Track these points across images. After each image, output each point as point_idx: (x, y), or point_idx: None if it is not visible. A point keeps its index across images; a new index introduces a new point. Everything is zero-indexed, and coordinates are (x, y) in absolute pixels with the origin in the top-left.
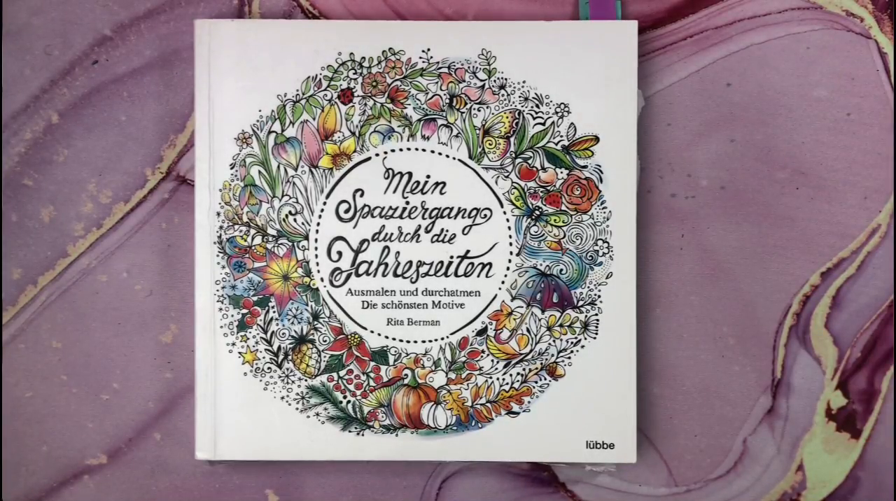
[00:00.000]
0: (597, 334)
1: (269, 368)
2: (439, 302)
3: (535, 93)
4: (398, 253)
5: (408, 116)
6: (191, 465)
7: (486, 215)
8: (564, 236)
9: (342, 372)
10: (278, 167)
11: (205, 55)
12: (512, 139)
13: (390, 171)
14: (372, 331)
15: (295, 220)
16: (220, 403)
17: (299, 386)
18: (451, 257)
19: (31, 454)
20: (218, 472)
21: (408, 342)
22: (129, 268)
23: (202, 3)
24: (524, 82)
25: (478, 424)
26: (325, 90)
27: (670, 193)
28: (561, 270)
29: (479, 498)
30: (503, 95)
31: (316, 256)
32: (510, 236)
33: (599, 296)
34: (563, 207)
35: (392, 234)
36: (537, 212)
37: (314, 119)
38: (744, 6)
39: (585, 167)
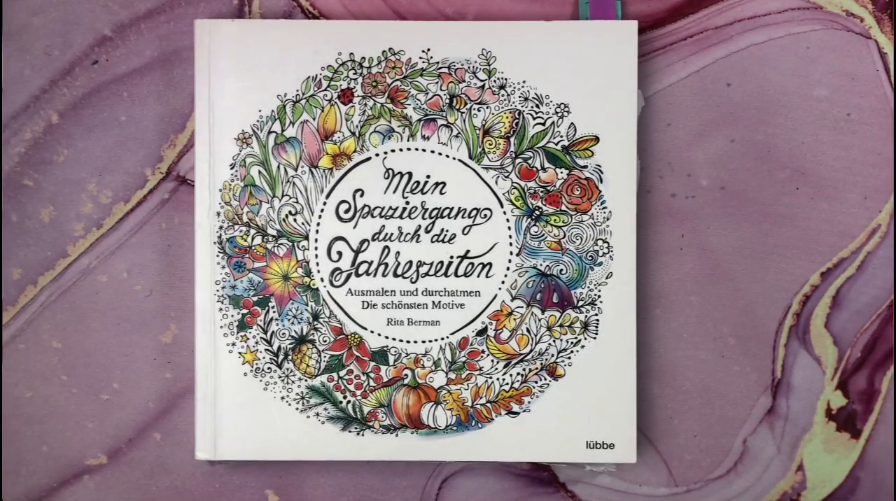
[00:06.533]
0: (597, 334)
1: (269, 368)
2: (439, 302)
3: (535, 93)
4: (398, 253)
5: (408, 116)
6: (191, 465)
7: (486, 215)
8: (564, 236)
9: (342, 372)
10: (278, 167)
11: (205, 55)
12: (512, 139)
13: (390, 171)
14: (372, 331)
15: (295, 220)
16: (220, 403)
17: (299, 386)
18: (451, 257)
19: (31, 454)
20: (218, 472)
21: (408, 342)
22: (129, 268)
23: (202, 3)
24: (524, 82)
25: (478, 424)
26: (325, 90)
27: (670, 193)
28: (561, 270)
29: (479, 498)
30: (503, 95)
31: (316, 256)
32: (510, 236)
33: (599, 296)
34: (563, 207)
35: (392, 234)
36: (537, 212)
37: (314, 119)
38: (744, 6)
39: (585, 167)
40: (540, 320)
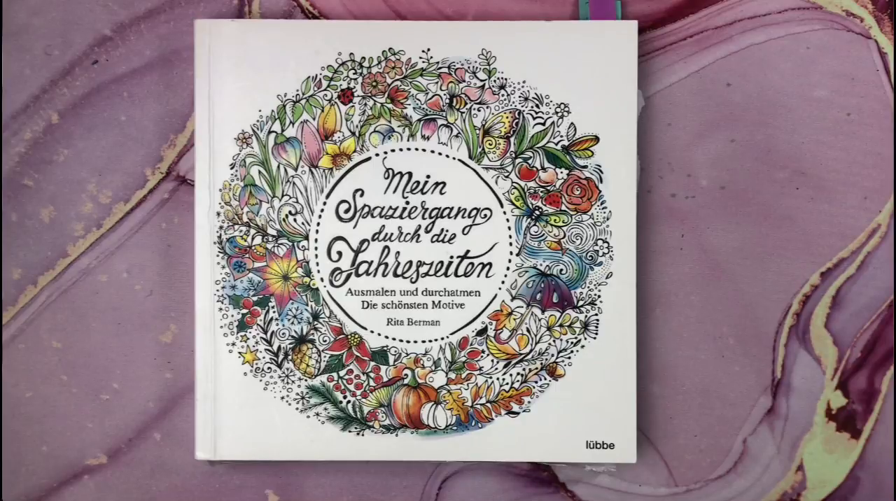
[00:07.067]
0: (597, 334)
1: (269, 368)
2: (439, 302)
3: (535, 93)
4: (398, 253)
5: (408, 116)
6: (191, 465)
7: (486, 215)
8: (564, 236)
9: (342, 372)
10: (278, 167)
11: (205, 55)
12: (512, 139)
13: (390, 171)
14: (372, 331)
15: (295, 220)
16: (220, 403)
17: (299, 386)
18: (451, 257)
19: (31, 454)
20: (218, 472)
21: (408, 342)
22: (129, 268)
23: (202, 3)
24: (524, 82)
25: (478, 424)
26: (325, 90)
27: (670, 193)
28: (561, 270)
29: (479, 498)
30: (503, 95)
31: (316, 256)
32: (510, 236)
33: (599, 296)
34: (563, 207)
35: (392, 234)
36: (537, 212)
37: (314, 119)
38: (744, 6)
39: (585, 167)
40: (540, 320)
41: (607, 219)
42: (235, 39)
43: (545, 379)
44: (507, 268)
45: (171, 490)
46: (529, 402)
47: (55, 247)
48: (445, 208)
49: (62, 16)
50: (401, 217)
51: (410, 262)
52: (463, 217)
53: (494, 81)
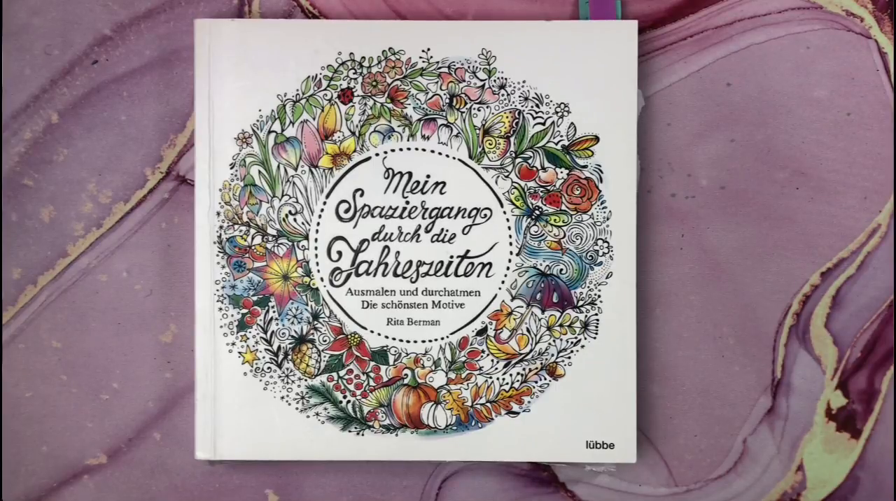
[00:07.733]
0: (597, 334)
1: (269, 368)
2: (439, 301)
3: (535, 93)
4: (398, 252)
5: (408, 116)
6: (191, 465)
7: (486, 215)
8: (564, 236)
9: (342, 372)
10: (278, 167)
11: (205, 55)
12: (512, 139)
13: (390, 171)
14: (372, 331)
15: (295, 220)
16: (220, 403)
17: (299, 385)
18: (451, 257)
19: (31, 454)
20: (218, 472)
21: (408, 342)
22: (129, 268)
23: (202, 3)
24: (524, 82)
25: (478, 424)
26: (325, 90)
27: (670, 193)
28: (561, 270)
29: (479, 498)
30: (503, 95)
31: (316, 256)
32: (510, 236)
33: (599, 296)
34: (563, 207)
35: (392, 234)
36: (537, 212)
37: (314, 119)
38: (744, 6)
39: (585, 167)
40: (540, 320)
41: (607, 218)
42: (235, 39)
43: (545, 378)
44: (507, 268)
45: (171, 490)
46: (529, 402)
47: (55, 247)
48: (445, 208)
49: (62, 16)
50: (401, 217)
51: (410, 262)
52: (463, 217)
53: (494, 81)
